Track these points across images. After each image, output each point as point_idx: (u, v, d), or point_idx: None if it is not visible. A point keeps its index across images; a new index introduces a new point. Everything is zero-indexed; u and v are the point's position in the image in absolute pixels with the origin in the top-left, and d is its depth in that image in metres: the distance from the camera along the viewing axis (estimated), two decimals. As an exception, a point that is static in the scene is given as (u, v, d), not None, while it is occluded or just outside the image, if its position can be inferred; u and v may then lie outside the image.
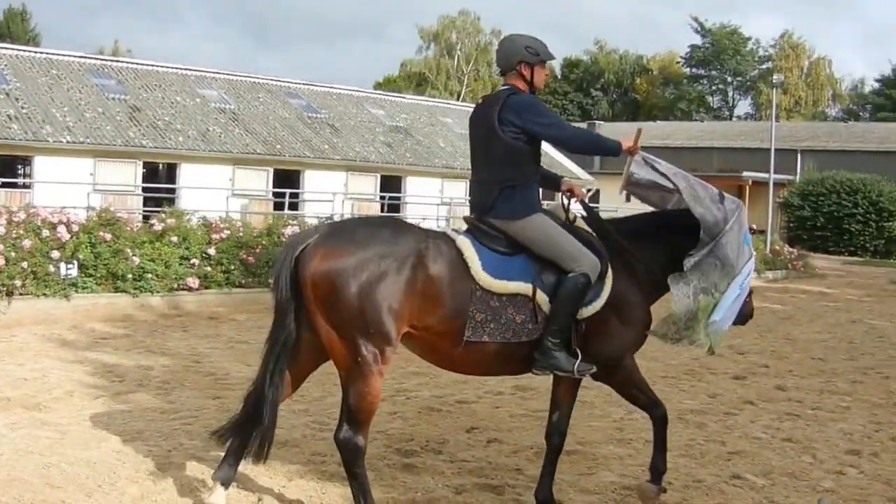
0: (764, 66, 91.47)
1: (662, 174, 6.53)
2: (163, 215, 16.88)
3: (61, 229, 14.70)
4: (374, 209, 33.14)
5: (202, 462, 7.00)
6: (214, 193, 29.07)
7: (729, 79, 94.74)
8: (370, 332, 5.54)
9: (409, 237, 5.80)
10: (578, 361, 5.96)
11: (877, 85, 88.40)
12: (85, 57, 35.28)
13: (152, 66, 36.15)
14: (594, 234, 6.34)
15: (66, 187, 24.79)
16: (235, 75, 38.62)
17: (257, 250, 16.92)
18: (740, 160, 52.54)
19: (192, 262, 16.08)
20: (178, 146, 30.49)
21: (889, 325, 17.80)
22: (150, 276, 15.34)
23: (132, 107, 31.62)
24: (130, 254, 15.21)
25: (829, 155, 53.82)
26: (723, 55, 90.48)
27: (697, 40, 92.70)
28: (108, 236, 15.24)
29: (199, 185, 29.26)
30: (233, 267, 16.55)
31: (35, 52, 34.65)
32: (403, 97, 47.35)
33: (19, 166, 30.99)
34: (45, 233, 14.59)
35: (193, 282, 15.81)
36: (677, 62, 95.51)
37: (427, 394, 9.82)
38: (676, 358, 12.21)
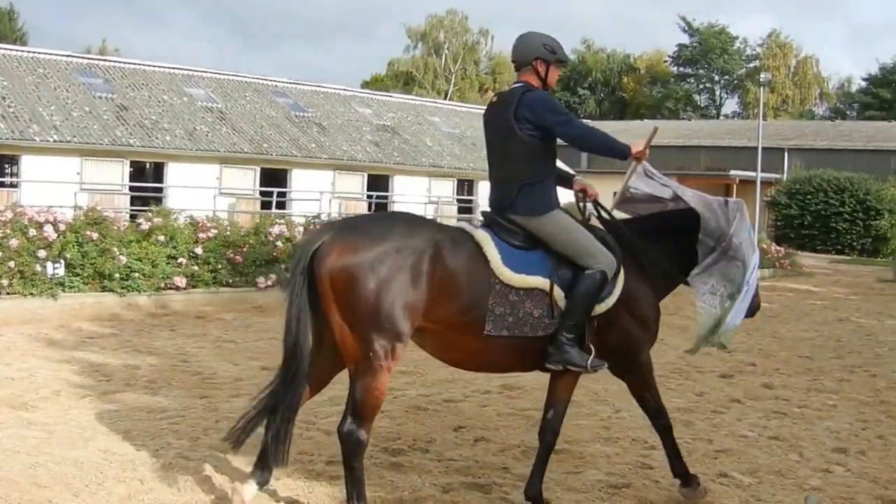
0: (751, 65, 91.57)
1: (663, 184, 6.64)
2: (150, 214, 16.83)
3: (48, 228, 14.65)
4: (361, 208, 33.07)
5: (189, 461, 6.99)
6: (201, 192, 29.03)
7: (716, 78, 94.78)
8: (384, 327, 5.55)
9: (425, 231, 5.84)
10: (591, 357, 6.05)
11: (864, 84, 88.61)
12: (72, 56, 35.18)
13: (139, 64, 36.06)
14: (607, 232, 6.43)
15: (53, 186, 24.75)
16: (223, 74, 38.56)
17: (244, 249, 16.90)
18: (727, 159, 52.64)
19: (179, 261, 16.06)
20: (166, 145, 30.43)
21: (876, 323, 17.84)
22: (137, 275, 15.31)
23: (119, 106, 31.55)
24: (117, 253, 15.18)
25: (817, 153, 53.95)
26: (710, 54, 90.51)
27: (685, 39, 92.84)
28: (95, 235, 15.20)
29: (186, 185, 29.23)
30: (220, 266, 16.53)
31: (22, 52, 34.51)
32: (391, 96, 47.28)
33: (6, 165, 30.79)
34: (32, 232, 14.55)
35: (180, 281, 15.78)
36: (665, 61, 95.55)
37: (414, 393, 9.82)
38: (664, 356, 12.20)
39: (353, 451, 5.73)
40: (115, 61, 37.01)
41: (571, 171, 6.97)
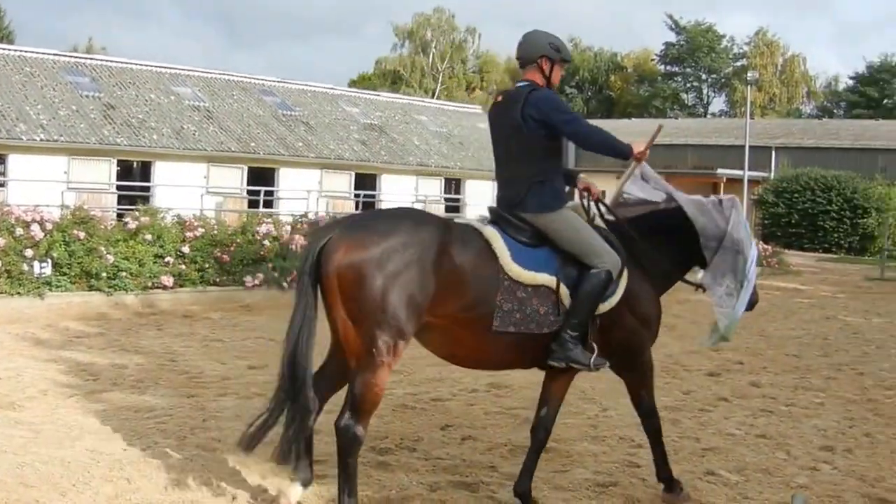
0: (738, 64, 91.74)
1: (657, 188, 6.69)
2: (137, 213, 16.80)
3: (35, 228, 14.61)
4: (348, 207, 33.10)
5: (177, 460, 6.97)
6: (189, 191, 29.04)
7: (703, 76, 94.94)
8: (389, 324, 5.56)
9: (431, 227, 5.85)
10: (594, 355, 6.09)
11: (851, 82, 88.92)
12: (59, 54, 35.17)
13: (126, 63, 36.04)
14: (610, 231, 6.48)
15: (39, 185, 24.76)
16: (210, 73, 38.55)
17: (232, 248, 16.88)
18: (715, 157, 52.65)
19: (166, 260, 16.03)
20: (153, 144, 30.42)
21: (863, 321, 17.89)
22: (124, 274, 15.28)
23: (106, 104, 31.51)
24: (105, 252, 15.14)
25: (804, 152, 54.04)
26: (697, 52, 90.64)
27: (672, 38, 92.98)
28: (82, 235, 15.16)
29: (173, 183, 29.24)
30: (207, 265, 16.51)
31: (9, 50, 34.47)
32: (378, 95, 47.36)
33: (-7, 164, 30.85)
34: (19, 231, 14.50)
35: (168, 280, 15.76)
36: (652, 59, 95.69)
37: (401, 391, 9.81)
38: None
39: (349, 447, 5.71)
40: (101, 60, 37.00)
41: (575, 169, 6.98)
